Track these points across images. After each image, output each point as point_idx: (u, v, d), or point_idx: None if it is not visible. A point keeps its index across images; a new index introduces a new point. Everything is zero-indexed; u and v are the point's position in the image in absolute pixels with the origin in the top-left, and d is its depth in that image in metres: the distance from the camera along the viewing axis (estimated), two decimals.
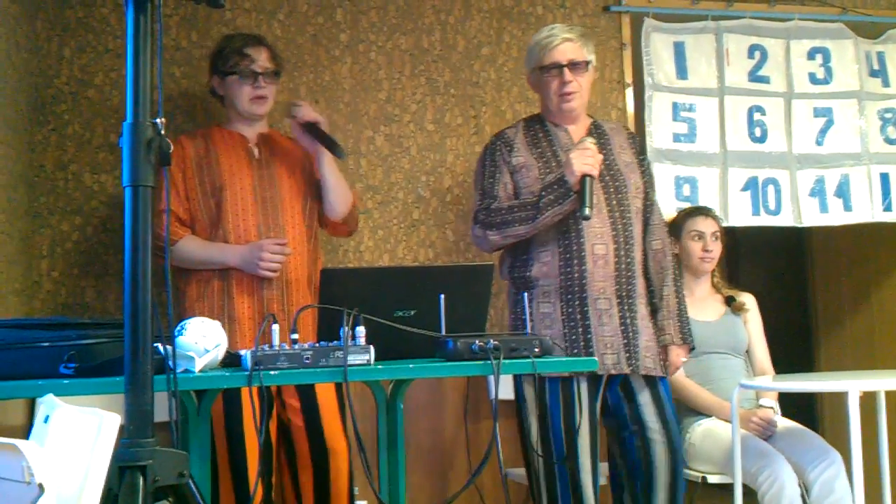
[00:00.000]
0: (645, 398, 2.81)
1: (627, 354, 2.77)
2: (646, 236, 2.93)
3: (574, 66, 2.85)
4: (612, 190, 2.83)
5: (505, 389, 3.05)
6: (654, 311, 2.92)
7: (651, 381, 2.83)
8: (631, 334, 2.78)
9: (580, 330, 2.74)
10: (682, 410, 3.41)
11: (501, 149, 2.89)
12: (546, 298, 2.78)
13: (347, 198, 2.99)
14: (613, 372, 2.76)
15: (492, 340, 2.05)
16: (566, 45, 2.86)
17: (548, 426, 2.75)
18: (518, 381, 2.84)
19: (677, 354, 2.92)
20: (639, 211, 2.89)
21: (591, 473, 2.75)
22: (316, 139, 2.88)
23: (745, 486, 2.97)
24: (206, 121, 3.27)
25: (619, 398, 2.84)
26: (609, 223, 2.78)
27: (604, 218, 2.78)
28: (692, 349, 2.99)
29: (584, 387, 2.75)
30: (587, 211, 2.63)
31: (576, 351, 2.73)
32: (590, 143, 2.72)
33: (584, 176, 2.66)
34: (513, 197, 2.85)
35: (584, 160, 2.67)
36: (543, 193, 2.72)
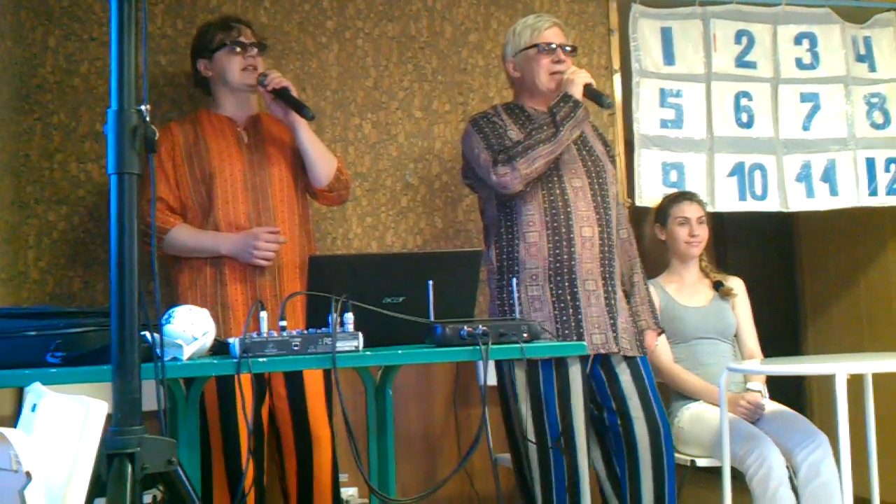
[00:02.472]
0: (626, 376, 2.86)
1: (614, 333, 2.81)
2: None
3: (565, 49, 2.92)
4: (593, 175, 2.88)
5: (494, 375, 3.05)
6: (626, 297, 2.99)
7: (630, 359, 2.88)
8: (616, 314, 2.83)
9: (570, 311, 2.76)
10: (670, 395, 3.42)
11: (493, 118, 2.90)
12: (534, 281, 2.79)
13: (329, 163, 2.96)
14: (602, 351, 2.79)
15: (480, 326, 2.06)
16: (556, 28, 2.94)
17: (542, 410, 2.76)
18: (508, 367, 2.82)
19: (652, 339, 3.04)
20: (615, 196, 2.96)
21: (586, 455, 2.78)
22: (285, 104, 2.87)
23: (733, 469, 2.99)
24: (192, 109, 3.25)
25: (600, 377, 2.86)
26: (593, 206, 2.83)
27: (588, 201, 2.83)
28: (661, 332, 3.13)
29: (576, 368, 2.77)
30: (608, 101, 2.82)
31: (567, 332, 2.75)
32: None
33: (586, 85, 2.82)
34: None
35: (580, 75, 2.82)
36: (554, 111, 2.78)
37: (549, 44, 2.90)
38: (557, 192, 2.81)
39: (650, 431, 2.82)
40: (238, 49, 2.91)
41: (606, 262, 2.83)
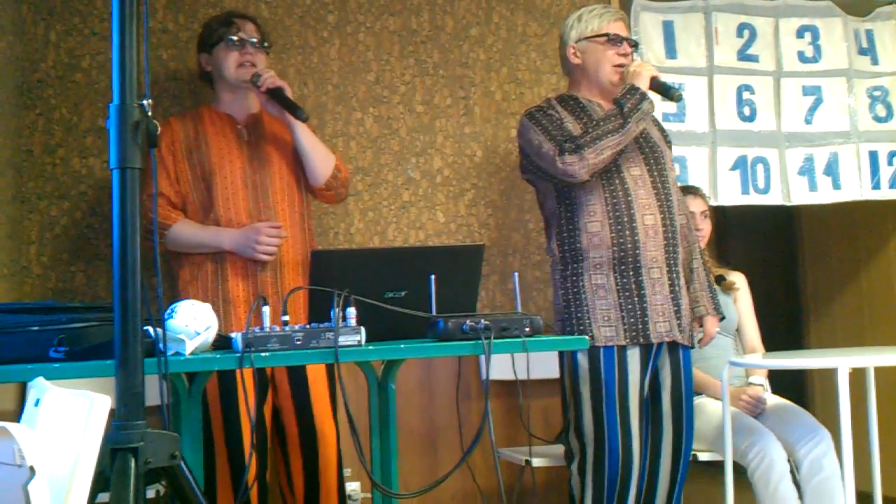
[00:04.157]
0: (664, 367, 2.86)
1: (678, 321, 2.82)
2: None
3: (630, 43, 2.93)
4: (651, 162, 2.87)
5: (498, 369, 3.05)
6: (686, 284, 2.96)
7: (675, 359, 2.87)
8: (680, 301, 2.83)
9: (636, 300, 2.77)
10: None
11: (548, 111, 2.88)
12: (598, 270, 2.79)
13: (327, 162, 2.94)
14: (667, 339, 2.80)
15: (482, 320, 2.06)
16: (622, 22, 2.95)
17: (602, 398, 2.77)
18: (572, 355, 2.83)
19: (712, 325, 3.00)
20: (674, 182, 2.95)
21: (639, 444, 2.78)
22: (279, 104, 2.85)
23: (735, 464, 2.99)
24: (193, 104, 3.26)
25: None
26: (653, 193, 2.82)
27: (649, 189, 2.82)
28: (722, 318, 3.07)
29: (636, 356, 2.78)
30: (678, 93, 2.80)
31: (632, 320, 2.76)
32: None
33: (652, 78, 2.79)
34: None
35: (647, 67, 2.80)
36: (621, 102, 2.75)
37: (618, 35, 2.89)
38: (617, 181, 2.80)
39: (674, 426, 2.86)
40: (235, 44, 2.89)
41: (670, 249, 2.82)
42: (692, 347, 2.94)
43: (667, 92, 2.81)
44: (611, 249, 2.78)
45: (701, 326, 3.00)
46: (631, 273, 2.78)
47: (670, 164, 2.95)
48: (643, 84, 2.77)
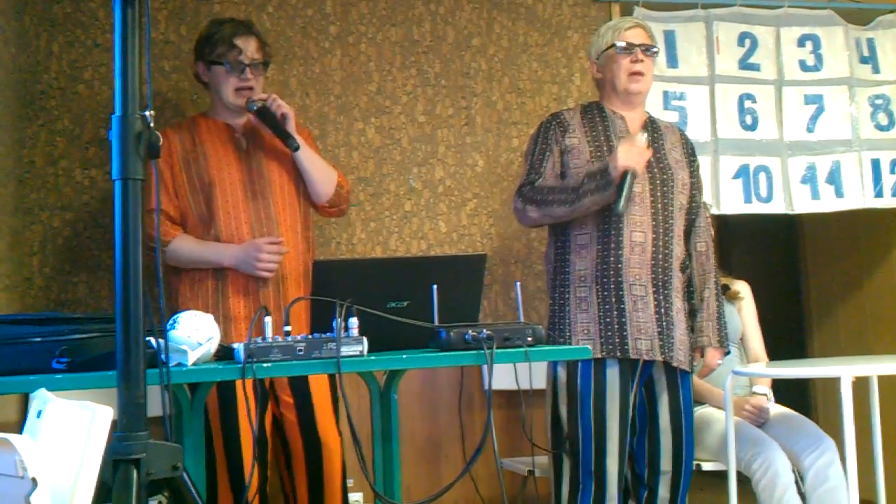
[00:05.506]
0: (663, 398, 2.86)
1: (661, 343, 2.80)
2: (691, 237, 2.97)
3: (645, 49, 2.92)
4: (658, 182, 2.85)
5: (500, 379, 3.05)
6: (693, 312, 2.95)
7: (672, 378, 2.86)
8: (665, 324, 2.81)
9: (615, 314, 2.77)
10: None
11: (555, 129, 2.91)
12: (583, 283, 2.82)
13: (329, 179, 2.92)
14: (646, 358, 2.79)
15: (485, 330, 2.06)
16: (638, 29, 2.95)
17: (577, 409, 2.78)
18: (552, 366, 2.87)
19: (713, 357, 2.96)
20: (682, 207, 2.91)
21: (616, 459, 2.78)
22: (272, 130, 2.82)
23: (739, 474, 2.98)
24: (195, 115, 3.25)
25: (640, 393, 2.88)
26: (650, 213, 2.81)
27: (646, 208, 2.81)
28: (727, 353, 3.03)
29: (615, 371, 2.78)
30: (621, 205, 2.67)
31: (609, 334, 2.77)
32: (641, 138, 2.72)
33: (626, 171, 2.68)
34: (559, 177, 2.87)
35: (631, 154, 2.69)
36: (586, 181, 2.74)
37: (629, 43, 2.89)
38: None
39: (674, 439, 2.86)
40: (235, 68, 2.83)
41: (659, 269, 2.81)
42: (690, 372, 2.92)
43: (618, 195, 2.66)
44: (595, 262, 2.80)
45: (703, 356, 2.96)
46: (612, 287, 2.78)
47: (682, 188, 2.90)
48: (615, 171, 2.67)
